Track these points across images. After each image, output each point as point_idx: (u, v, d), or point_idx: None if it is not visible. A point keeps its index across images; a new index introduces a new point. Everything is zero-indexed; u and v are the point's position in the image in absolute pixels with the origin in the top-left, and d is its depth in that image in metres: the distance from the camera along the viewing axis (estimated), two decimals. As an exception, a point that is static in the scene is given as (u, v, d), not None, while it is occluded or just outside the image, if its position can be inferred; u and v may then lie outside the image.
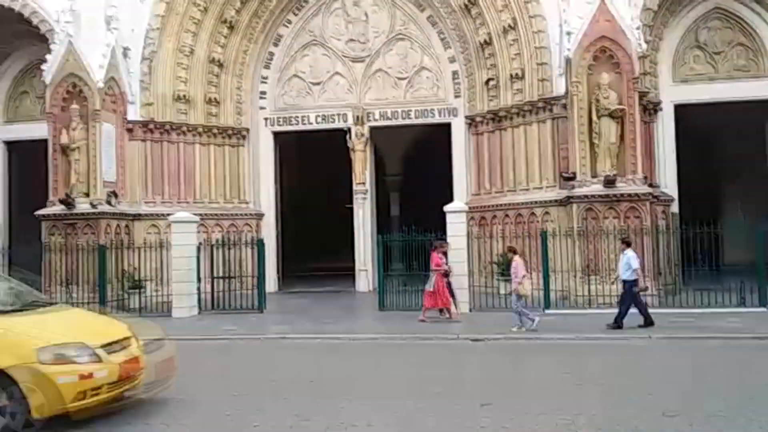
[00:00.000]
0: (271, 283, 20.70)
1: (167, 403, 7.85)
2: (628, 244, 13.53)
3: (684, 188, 19.44)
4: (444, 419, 7.12)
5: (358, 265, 21.60)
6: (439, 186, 21.76)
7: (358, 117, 21.47)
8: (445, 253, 14.93)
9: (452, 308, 14.63)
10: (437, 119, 21.42)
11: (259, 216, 21.80)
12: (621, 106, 16.21)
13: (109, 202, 18.31)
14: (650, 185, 17.07)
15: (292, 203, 25.15)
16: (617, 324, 12.75)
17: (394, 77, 21.61)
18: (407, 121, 21.67)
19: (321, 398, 8.14)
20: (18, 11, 19.86)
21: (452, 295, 14.76)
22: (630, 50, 16.32)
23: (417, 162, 26.45)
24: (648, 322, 12.91)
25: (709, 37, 19.57)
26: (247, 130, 21.76)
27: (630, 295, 12.95)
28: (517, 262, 13.27)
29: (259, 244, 17.78)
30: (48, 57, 18.60)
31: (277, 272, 22.08)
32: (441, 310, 14.72)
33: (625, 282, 13.08)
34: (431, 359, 10.95)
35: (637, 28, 16.56)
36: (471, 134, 20.71)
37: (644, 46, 16.81)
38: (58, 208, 18.07)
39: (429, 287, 14.58)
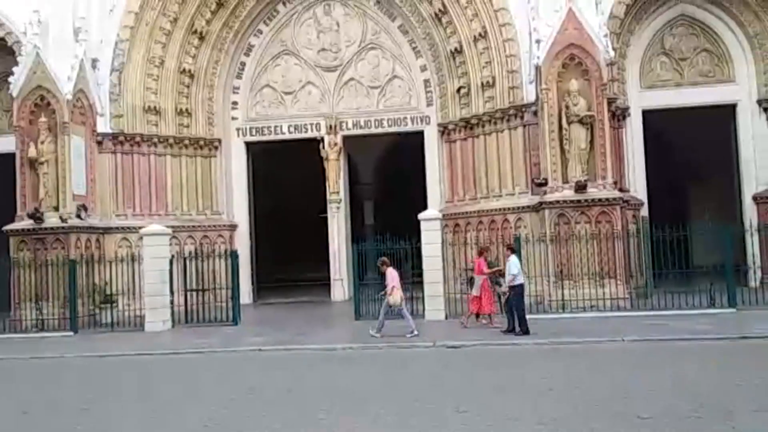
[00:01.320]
0: (246, 294, 20.56)
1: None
2: (512, 251, 14.03)
3: (653, 192, 19.77)
4: (423, 426, 7.13)
5: (333, 275, 21.56)
6: (413, 194, 21.86)
7: (331, 126, 21.50)
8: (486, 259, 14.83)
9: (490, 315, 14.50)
10: (410, 127, 21.53)
11: (233, 227, 21.65)
12: (590, 113, 16.45)
13: (79, 216, 18.05)
14: (620, 190, 17.33)
15: (266, 214, 25.02)
16: (523, 329, 13.08)
17: (366, 86, 21.68)
18: (380, 130, 21.75)
19: (300, 410, 8.09)
20: (-17, 23, 19.53)
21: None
22: (598, 57, 16.58)
23: (391, 170, 26.54)
24: (510, 329, 13.25)
25: (675, 43, 20.03)
26: (219, 140, 21.64)
27: (521, 299, 13.31)
28: (390, 273, 13.88)
29: (233, 256, 17.63)
30: (15, 69, 18.32)
31: (252, 283, 21.94)
32: (477, 316, 14.52)
33: (511, 288, 13.43)
34: (409, 368, 10.94)
35: (605, 36, 16.84)
36: (444, 142, 20.85)
37: (612, 53, 17.10)
38: (26, 223, 17.75)
39: (475, 292, 14.37)
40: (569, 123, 16.51)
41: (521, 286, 13.41)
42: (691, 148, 23.85)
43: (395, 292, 13.77)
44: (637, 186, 19.39)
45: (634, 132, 19.66)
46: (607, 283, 15.93)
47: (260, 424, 7.57)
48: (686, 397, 7.98)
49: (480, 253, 14.97)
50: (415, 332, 13.36)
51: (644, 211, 19.17)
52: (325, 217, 21.92)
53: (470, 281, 14.98)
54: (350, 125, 21.60)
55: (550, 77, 16.71)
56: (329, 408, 8.13)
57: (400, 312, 13.85)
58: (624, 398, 8.05)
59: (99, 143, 19.34)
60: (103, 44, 19.34)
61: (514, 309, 13.29)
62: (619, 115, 18.99)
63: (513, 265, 13.47)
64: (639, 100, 19.81)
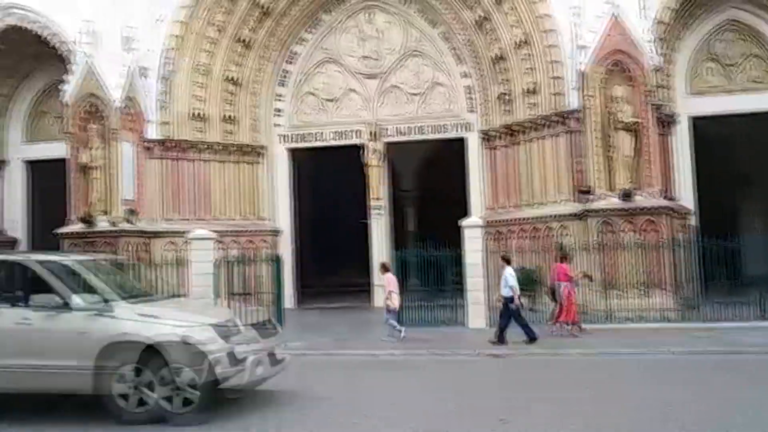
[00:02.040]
0: (289, 299, 20.74)
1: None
2: (507, 261, 13.99)
3: (702, 200, 19.34)
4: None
5: (374, 281, 21.61)
6: (454, 201, 21.79)
7: (372, 133, 21.60)
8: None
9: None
10: (452, 134, 21.50)
11: (276, 232, 21.93)
12: (636, 119, 16.22)
13: (128, 220, 18.52)
14: (668, 198, 17.01)
15: (309, 219, 25.25)
16: (500, 339, 13.05)
17: (407, 93, 21.74)
18: (421, 137, 21.76)
19: (337, 416, 8.13)
20: (37, 33, 20.25)
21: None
22: (643, 63, 16.33)
23: (432, 177, 26.50)
24: (531, 339, 13.07)
25: (723, 49, 19.56)
26: (264, 147, 21.96)
27: (507, 311, 13.22)
28: (388, 278, 14.49)
29: (276, 260, 17.86)
30: (67, 77, 18.91)
31: (294, 288, 22.15)
32: (557, 321, 14.23)
33: (504, 298, 13.34)
34: (450, 376, 10.92)
35: (650, 41, 16.58)
36: (485, 149, 20.75)
37: (658, 59, 16.82)
38: (78, 226, 18.28)
39: (561, 300, 14.12)
40: (614, 130, 16.30)
41: (512, 297, 13.29)
42: (741, 156, 23.28)
43: (393, 297, 14.37)
44: (686, 194, 18.98)
45: (681, 139, 19.27)
46: (654, 293, 15.62)
47: (297, 428, 7.65)
48: (733, 412, 7.79)
49: (562, 259, 14.57)
50: (392, 338, 13.92)
51: (693, 220, 18.75)
52: (366, 224, 22.02)
53: (552, 291, 14.67)
54: (392, 132, 21.68)
55: (595, 83, 16.53)
56: (368, 413, 8.17)
57: (388, 315, 14.35)
58: (668, 411, 7.91)
59: (147, 149, 19.82)
60: (151, 53, 19.81)
61: (509, 319, 13.21)
62: (666, 122, 18.65)
63: (509, 276, 13.43)
64: (687, 106, 19.41)
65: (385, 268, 15.04)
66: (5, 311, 7.92)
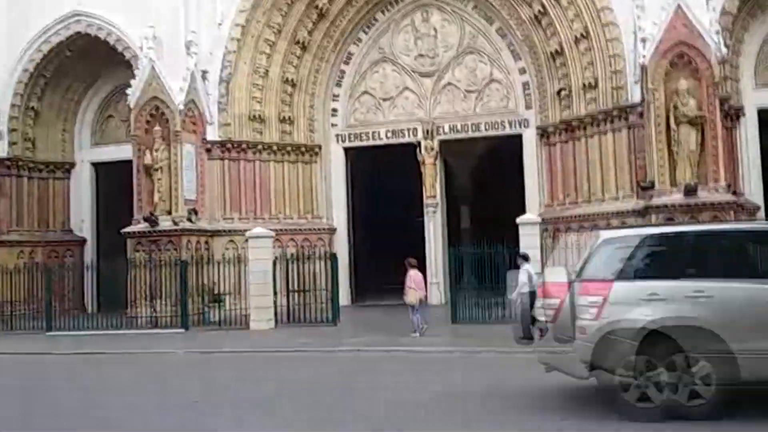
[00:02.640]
0: (344, 296, 20.93)
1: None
2: (525, 259, 13.86)
3: (771, 196, 18.59)
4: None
5: (429, 278, 21.54)
6: (510, 198, 21.57)
7: (427, 131, 21.58)
8: None
9: None
10: (508, 131, 21.28)
11: (332, 230, 22.15)
12: (701, 113, 15.73)
13: (189, 219, 19.01)
14: (734, 193, 16.42)
15: (364, 217, 25.41)
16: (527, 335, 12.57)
17: (463, 90, 21.63)
18: (477, 134, 21.62)
19: (393, 414, 8.16)
20: (104, 39, 21.00)
21: None
22: (709, 55, 15.83)
23: (488, 174, 26.28)
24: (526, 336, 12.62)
25: (793, 38, 18.76)
26: (320, 146, 22.21)
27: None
28: (410, 274, 14.87)
29: (332, 258, 18.06)
30: (132, 82, 19.54)
31: (350, 285, 22.33)
32: None
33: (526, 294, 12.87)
34: (504, 372, 10.82)
35: (717, 32, 16.05)
36: (543, 145, 20.46)
37: (724, 50, 16.27)
38: (142, 226, 18.86)
39: None
40: (678, 124, 15.83)
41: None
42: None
43: (409, 292, 14.74)
44: (753, 189, 18.28)
45: (748, 132, 18.56)
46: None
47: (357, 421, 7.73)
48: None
49: None
50: (416, 334, 14.37)
51: (761, 215, 18.05)
52: (422, 221, 22.01)
53: None
54: (447, 130, 21.61)
55: (657, 77, 16.10)
56: (424, 412, 8.18)
57: (412, 312, 14.71)
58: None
59: (208, 150, 20.30)
60: (212, 56, 20.29)
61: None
62: (733, 115, 18.01)
63: (523, 273, 13.29)
64: (754, 98, 18.68)
65: (409, 265, 15.13)
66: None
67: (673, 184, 15.85)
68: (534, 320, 12.41)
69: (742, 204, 16.87)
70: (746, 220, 16.08)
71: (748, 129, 18.58)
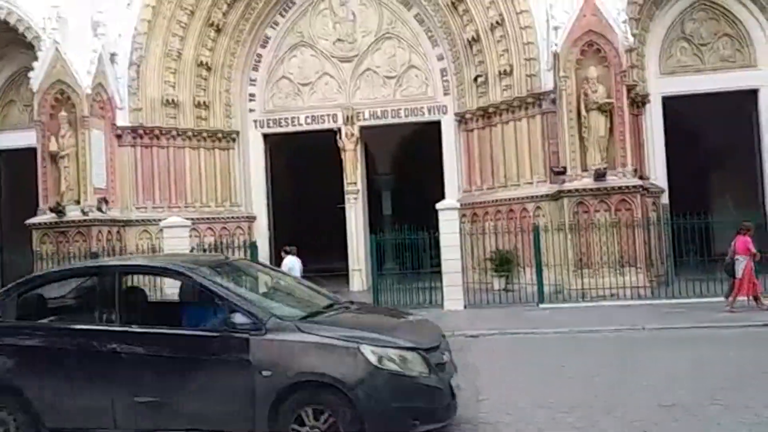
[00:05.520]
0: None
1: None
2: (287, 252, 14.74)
3: (674, 179, 19.55)
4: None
5: (351, 265, 21.60)
6: (430, 184, 21.81)
7: (347, 117, 21.46)
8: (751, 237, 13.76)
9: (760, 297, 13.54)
10: (427, 117, 21.44)
11: (251, 218, 21.77)
12: (609, 100, 16.29)
13: (99, 209, 18.26)
14: (640, 177, 17.16)
15: (285, 205, 25.11)
16: None
17: (382, 76, 21.60)
18: (397, 120, 21.67)
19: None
20: (3, 19, 19.77)
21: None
22: (617, 44, 16.39)
23: (408, 160, 26.47)
24: None
25: (695, 28, 19.70)
26: (237, 132, 21.72)
27: None
28: (285, 263, 14.83)
29: (252, 247, 17.76)
30: (35, 64, 18.52)
31: (271, 274, 22.02)
32: (756, 299, 13.52)
33: None
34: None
35: (624, 22, 16.62)
36: (461, 131, 20.74)
37: (631, 39, 16.89)
38: (48, 216, 17.99)
39: (739, 274, 13.40)
40: (588, 110, 16.35)
41: None
42: (712, 135, 23.56)
43: None
44: (658, 173, 19.16)
45: (653, 119, 19.41)
46: (627, 271, 15.81)
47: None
48: (711, 384, 7.93)
49: (746, 231, 13.67)
50: None
51: (665, 199, 18.96)
52: (343, 208, 21.95)
53: (729, 266, 13.71)
54: (367, 116, 21.56)
55: (569, 64, 16.56)
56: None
57: None
58: (645, 385, 8.02)
59: (118, 137, 19.52)
60: (121, 38, 19.45)
61: None
62: (639, 102, 18.77)
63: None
64: (659, 86, 19.54)
65: (284, 252, 15.06)
66: None
67: (584, 169, 16.39)
68: None
69: (647, 188, 17.66)
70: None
71: (653, 116, 19.42)
